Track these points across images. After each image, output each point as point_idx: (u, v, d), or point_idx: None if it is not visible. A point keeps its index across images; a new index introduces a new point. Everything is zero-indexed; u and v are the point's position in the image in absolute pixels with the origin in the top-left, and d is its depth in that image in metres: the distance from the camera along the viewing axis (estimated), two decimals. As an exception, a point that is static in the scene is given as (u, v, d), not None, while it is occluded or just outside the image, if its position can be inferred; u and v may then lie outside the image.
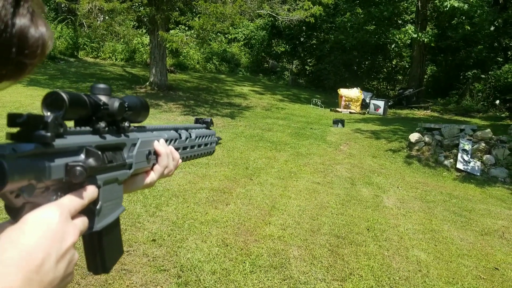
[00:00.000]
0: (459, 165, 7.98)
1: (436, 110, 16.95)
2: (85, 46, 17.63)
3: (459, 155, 8.10)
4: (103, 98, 0.63)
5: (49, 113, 0.52)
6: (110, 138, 0.64)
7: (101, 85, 0.64)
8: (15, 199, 0.47)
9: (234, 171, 6.16)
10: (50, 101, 0.53)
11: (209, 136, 1.08)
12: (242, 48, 23.41)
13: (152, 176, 0.81)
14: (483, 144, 8.22)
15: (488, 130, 8.59)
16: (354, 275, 3.54)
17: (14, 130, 0.48)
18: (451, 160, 8.19)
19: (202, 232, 4.01)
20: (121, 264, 3.24)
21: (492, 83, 17.63)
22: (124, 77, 14.54)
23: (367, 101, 15.47)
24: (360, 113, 14.63)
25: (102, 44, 17.68)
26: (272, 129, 9.86)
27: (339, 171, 6.92)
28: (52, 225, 0.47)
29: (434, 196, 6.26)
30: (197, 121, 1.08)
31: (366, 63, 23.56)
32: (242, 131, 9.22)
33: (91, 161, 0.56)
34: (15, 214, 0.48)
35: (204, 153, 1.07)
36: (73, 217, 0.53)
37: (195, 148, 1.00)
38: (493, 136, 8.41)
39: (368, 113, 14.81)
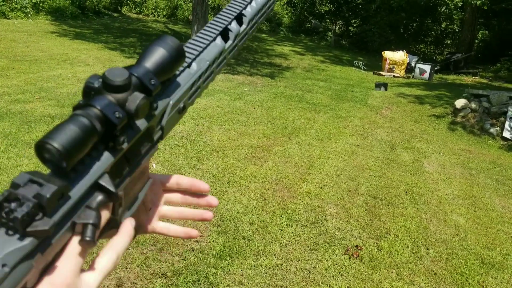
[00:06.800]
0: (506, 134, 7.69)
1: (485, 76, 16.20)
2: (128, 1, 17.74)
3: (507, 123, 7.79)
4: (118, 98, 0.45)
5: (50, 167, 0.41)
6: (127, 145, 0.48)
7: (117, 80, 0.44)
8: None
9: (273, 130, 6.20)
10: (48, 157, 0.40)
11: (267, 2, 0.75)
12: (285, 7, 22.89)
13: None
14: (534, 113, 7.85)
15: (541, 98, 8.17)
16: (390, 234, 3.57)
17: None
18: (498, 128, 7.90)
19: (241, 186, 4.11)
20: (164, 211, 3.40)
21: (548, 50, 16.58)
22: (166, 34, 14.61)
23: (413, 65, 14.94)
24: (404, 77, 14.18)
25: None
26: (312, 91, 9.76)
27: (379, 135, 6.83)
28: None
29: (477, 164, 6.11)
30: None
31: (414, 25, 22.60)
32: (282, 91, 9.17)
33: (101, 199, 0.45)
34: None
35: (262, 20, 0.77)
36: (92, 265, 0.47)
37: (248, 33, 0.72)
38: (546, 105, 8.00)
39: (413, 77, 14.34)
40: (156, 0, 18.08)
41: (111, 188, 0.45)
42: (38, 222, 0.37)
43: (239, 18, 0.69)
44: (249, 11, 0.70)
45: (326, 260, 3.12)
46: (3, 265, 0.34)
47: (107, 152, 0.46)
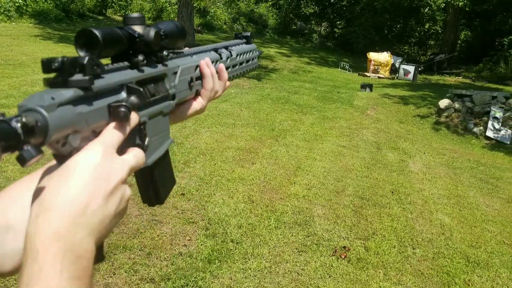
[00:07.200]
0: (489, 133, 7.82)
1: (468, 76, 16.45)
2: (113, 4, 17.61)
3: (490, 122, 7.93)
4: (138, 29, 0.58)
5: (83, 53, 0.50)
6: (149, 71, 0.61)
7: (135, 14, 0.59)
8: (62, 148, 0.47)
9: (260, 132, 6.21)
10: (84, 41, 0.50)
11: (251, 51, 1.01)
12: (270, 9, 22.97)
13: (200, 101, 0.80)
14: (516, 112, 7.99)
15: (522, 98, 8.33)
16: (377, 235, 3.61)
17: (51, 76, 0.47)
18: (481, 128, 8.03)
19: (229, 189, 4.11)
20: (152, 215, 3.38)
21: (529, 50, 16.90)
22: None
23: (397, 65, 15.11)
24: (389, 78, 14.33)
25: (130, 1, 17.62)
26: (299, 92, 9.81)
27: (365, 135, 6.89)
28: (95, 166, 0.46)
29: (461, 163, 6.20)
30: (236, 36, 1.01)
31: (398, 26, 22.86)
32: (269, 93, 9.20)
33: (133, 98, 0.54)
34: (63, 161, 0.47)
35: (247, 70, 1.02)
36: (123, 152, 0.53)
37: (237, 66, 0.95)
38: (527, 105, 8.15)
39: (397, 78, 14.50)
40: (141, 2, 17.98)
41: (139, 87, 0.56)
42: (78, 75, 0.46)
43: (227, 49, 0.91)
44: (235, 48, 0.93)
45: (315, 262, 3.14)
46: (52, 98, 0.43)
47: (130, 69, 0.57)
